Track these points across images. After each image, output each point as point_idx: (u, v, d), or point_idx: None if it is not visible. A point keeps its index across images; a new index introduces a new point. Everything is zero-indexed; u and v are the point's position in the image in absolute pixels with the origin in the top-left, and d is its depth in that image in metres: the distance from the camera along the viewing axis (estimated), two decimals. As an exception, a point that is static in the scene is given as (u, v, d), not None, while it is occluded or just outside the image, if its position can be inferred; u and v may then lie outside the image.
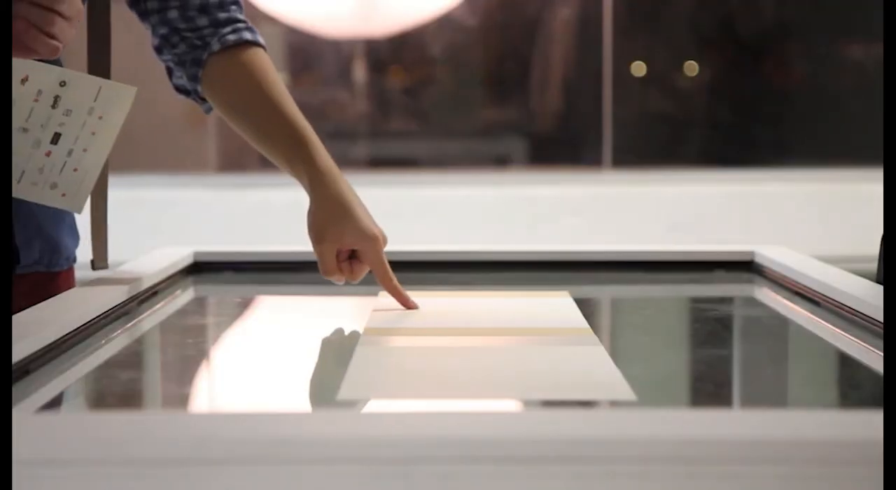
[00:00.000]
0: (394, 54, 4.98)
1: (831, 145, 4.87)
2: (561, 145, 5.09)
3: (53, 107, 1.39)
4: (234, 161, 5.03)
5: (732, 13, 5.08)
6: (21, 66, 1.37)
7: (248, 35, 1.56)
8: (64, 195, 1.42)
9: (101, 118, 1.40)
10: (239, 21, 1.57)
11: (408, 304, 1.47)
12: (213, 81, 1.56)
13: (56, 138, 1.40)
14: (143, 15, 1.58)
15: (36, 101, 1.38)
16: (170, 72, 1.61)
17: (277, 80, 1.56)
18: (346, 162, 5.24)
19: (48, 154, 1.40)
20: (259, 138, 1.56)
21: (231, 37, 1.55)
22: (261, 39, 1.58)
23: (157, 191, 4.56)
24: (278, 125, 1.53)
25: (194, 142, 4.89)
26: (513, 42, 5.04)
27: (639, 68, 4.99)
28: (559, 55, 5.03)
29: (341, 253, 1.49)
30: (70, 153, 1.40)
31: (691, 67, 5.10)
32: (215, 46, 1.55)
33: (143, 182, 4.36)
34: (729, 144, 4.96)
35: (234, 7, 1.58)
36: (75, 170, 1.41)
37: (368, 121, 4.94)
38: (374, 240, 1.48)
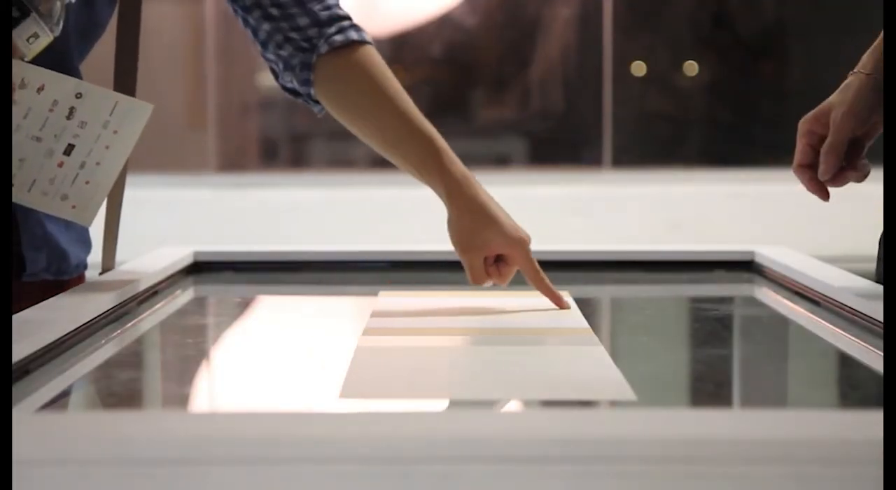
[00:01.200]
0: (394, 54, 4.99)
1: (831, 145, 4.87)
2: (561, 145, 5.09)
3: (68, 118, 1.38)
4: (234, 161, 5.03)
5: (732, 13, 5.08)
6: (38, 75, 1.37)
7: (354, 34, 1.52)
8: (74, 207, 1.41)
9: (115, 132, 1.40)
10: (342, 18, 1.53)
11: (561, 304, 1.45)
12: (327, 85, 1.53)
13: (69, 149, 1.39)
14: (246, 10, 1.53)
15: (51, 111, 1.38)
16: (275, 73, 1.58)
17: (394, 80, 1.52)
18: (346, 162, 5.24)
19: (60, 164, 1.40)
20: (384, 144, 1.53)
21: (338, 37, 1.52)
22: (367, 37, 1.54)
23: (157, 191, 4.57)
24: (406, 131, 1.50)
25: (194, 142, 4.89)
26: (513, 42, 5.04)
27: (639, 68, 5.00)
28: (559, 55, 5.03)
29: (488, 258, 1.48)
30: (83, 165, 1.40)
31: (691, 67, 5.10)
32: (323, 48, 1.51)
33: (143, 182, 4.37)
34: (729, 144, 4.97)
35: (331, 2, 1.54)
36: (87, 182, 1.41)
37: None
38: (522, 243, 1.46)
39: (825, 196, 1.37)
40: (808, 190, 1.38)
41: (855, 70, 1.35)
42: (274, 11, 1.52)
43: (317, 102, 1.56)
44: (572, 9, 4.97)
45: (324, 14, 1.52)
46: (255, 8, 1.53)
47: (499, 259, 1.48)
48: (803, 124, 1.37)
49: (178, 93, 4.78)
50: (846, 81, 1.35)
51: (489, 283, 1.49)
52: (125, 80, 1.50)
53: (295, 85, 1.55)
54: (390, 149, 1.52)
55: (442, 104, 5.07)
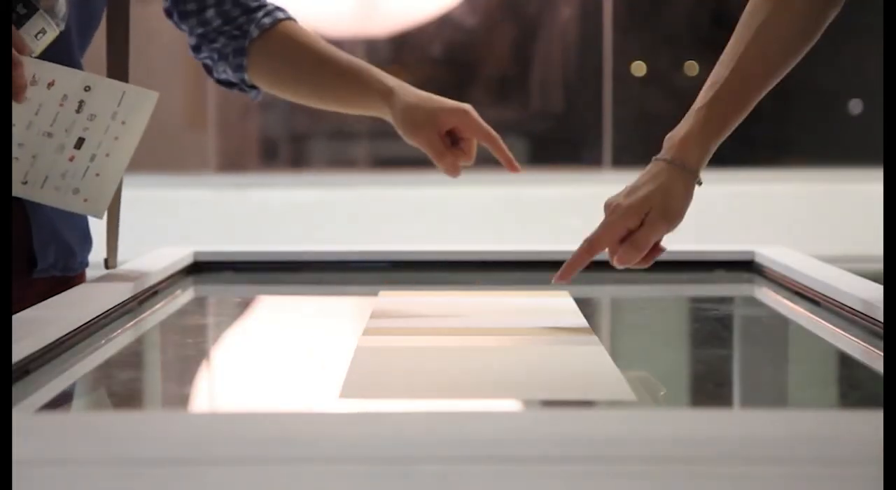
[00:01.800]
0: (394, 54, 4.98)
1: (831, 145, 4.87)
2: (561, 145, 5.08)
3: (78, 111, 1.39)
4: (234, 161, 5.02)
5: (732, 13, 5.07)
6: (48, 71, 1.37)
7: (280, 14, 1.62)
8: (86, 200, 1.42)
9: (124, 123, 1.40)
10: (268, 5, 1.63)
11: (514, 168, 1.56)
12: (261, 64, 1.61)
13: (80, 143, 1.40)
14: (182, 16, 1.62)
15: (61, 105, 1.38)
16: (208, 68, 1.66)
17: (321, 41, 1.62)
18: (346, 162, 5.24)
19: (71, 159, 1.40)
20: (322, 95, 1.62)
21: (266, 20, 1.61)
22: (291, 15, 1.64)
23: (157, 191, 4.56)
24: (335, 72, 1.59)
25: (194, 142, 4.89)
26: (513, 42, 5.04)
27: (639, 68, 4.99)
28: (559, 55, 5.03)
29: (443, 137, 1.55)
30: (93, 158, 1.41)
31: (691, 67, 5.10)
32: (254, 33, 1.60)
33: (143, 182, 4.36)
34: (729, 144, 4.96)
35: None
36: (97, 175, 1.41)
37: (368, 121, 4.93)
38: (466, 110, 1.55)
39: (566, 280, 1.36)
40: (569, 267, 1.36)
41: (659, 156, 1.35)
42: (211, 13, 1.59)
43: (252, 88, 1.65)
44: (572, 9, 4.97)
45: (253, 3, 1.62)
46: (191, 16, 1.61)
47: (455, 142, 1.56)
48: (622, 214, 1.33)
49: (178, 93, 4.78)
50: (655, 169, 1.34)
51: (457, 171, 1.56)
52: (118, 71, 1.51)
53: (229, 74, 1.63)
54: (328, 96, 1.62)
55: (442, 104, 5.06)
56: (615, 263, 1.34)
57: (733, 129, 1.36)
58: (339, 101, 1.62)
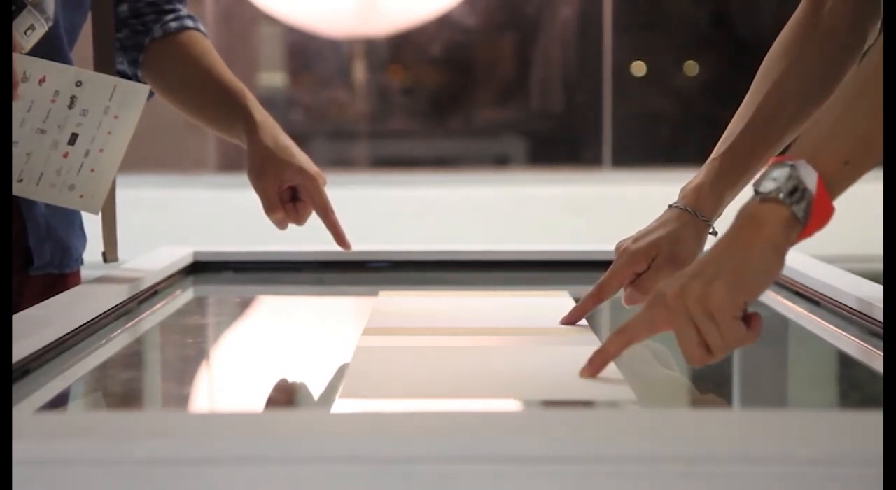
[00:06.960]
0: (394, 54, 4.99)
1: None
2: (561, 145, 5.09)
3: (70, 107, 1.39)
4: (234, 161, 5.03)
5: (732, 13, 5.08)
6: (38, 67, 1.37)
7: (189, 22, 1.61)
8: (82, 196, 1.42)
9: (116, 118, 1.40)
10: (181, 11, 1.62)
11: (344, 245, 1.55)
12: (154, 64, 1.60)
13: (73, 139, 1.40)
14: None
15: (53, 101, 1.38)
16: None
17: (215, 55, 1.61)
18: (346, 162, 5.24)
19: (66, 155, 1.40)
20: (198, 108, 1.60)
21: (173, 24, 1.60)
22: (202, 27, 1.63)
23: (157, 191, 4.56)
24: (216, 91, 1.57)
25: (194, 142, 4.89)
26: (513, 42, 5.04)
27: (639, 68, 5.00)
28: (559, 55, 5.03)
29: (283, 194, 1.53)
30: (87, 154, 1.40)
31: (691, 67, 5.10)
32: (157, 33, 1.59)
33: (143, 182, 4.36)
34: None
35: (179, 5, 1.63)
36: (92, 170, 1.41)
37: (368, 121, 4.94)
38: (316, 176, 1.53)
39: (573, 323, 1.35)
40: (578, 311, 1.36)
41: (673, 204, 1.36)
42: (123, 6, 1.59)
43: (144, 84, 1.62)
44: (572, 9, 4.97)
45: (166, 6, 1.61)
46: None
47: (295, 199, 1.54)
48: (628, 259, 1.34)
49: (178, 93, 4.78)
50: (667, 215, 1.35)
51: (285, 225, 1.55)
52: (105, 68, 1.52)
53: (125, 67, 1.61)
54: (203, 111, 1.61)
55: (442, 104, 5.07)
56: (623, 303, 1.36)
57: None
58: (208, 120, 1.61)
